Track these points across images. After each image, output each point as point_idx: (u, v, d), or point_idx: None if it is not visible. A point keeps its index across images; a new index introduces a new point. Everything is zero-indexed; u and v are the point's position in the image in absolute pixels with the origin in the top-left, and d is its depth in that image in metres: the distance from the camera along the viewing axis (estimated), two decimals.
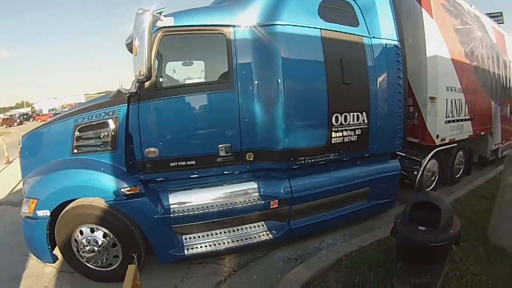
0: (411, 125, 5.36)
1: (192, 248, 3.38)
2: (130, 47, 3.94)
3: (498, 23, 8.18)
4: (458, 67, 5.81)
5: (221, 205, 3.48)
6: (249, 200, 3.58)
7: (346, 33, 3.87)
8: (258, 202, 3.56)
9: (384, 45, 4.20)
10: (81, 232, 3.22)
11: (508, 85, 8.28)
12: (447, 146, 5.86)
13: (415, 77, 5.18)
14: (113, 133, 3.32)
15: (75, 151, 3.37)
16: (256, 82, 3.43)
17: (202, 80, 3.64)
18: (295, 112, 3.54)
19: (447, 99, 5.58)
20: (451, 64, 5.63)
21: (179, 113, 3.39)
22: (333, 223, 4.10)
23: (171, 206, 3.38)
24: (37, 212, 3.05)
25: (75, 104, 45.23)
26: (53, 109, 61.86)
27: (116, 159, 3.33)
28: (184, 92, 3.42)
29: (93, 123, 3.35)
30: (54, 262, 3.40)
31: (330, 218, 4.02)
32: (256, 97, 3.44)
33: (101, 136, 3.37)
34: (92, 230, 3.20)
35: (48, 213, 3.09)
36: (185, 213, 3.36)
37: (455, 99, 5.81)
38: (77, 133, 3.36)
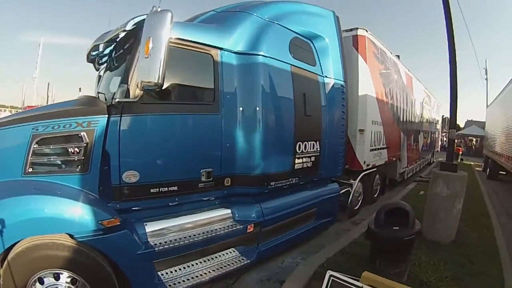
0: None
1: (174, 284, 2.98)
2: (95, 49, 3.63)
3: None
4: (380, 104, 6.96)
5: (203, 233, 3.29)
6: (228, 226, 3.51)
7: (308, 70, 4.38)
8: (237, 228, 3.52)
9: (333, 84, 4.84)
10: (41, 281, 2.41)
11: (412, 119, 10.11)
12: (370, 171, 6.85)
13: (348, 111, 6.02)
14: (86, 150, 2.72)
15: (30, 170, 2.60)
16: (239, 108, 3.49)
17: (188, 100, 3.37)
18: (270, 139, 3.69)
19: (371, 131, 6.61)
20: (375, 102, 6.72)
21: (164, 132, 3.08)
22: (291, 242, 4.36)
23: (152, 239, 2.97)
24: None
25: None
26: None
27: (87, 183, 2.74)
28: (170, 110, 3.12)
29: (59, 135, 2.69)
30: None
31: (289, 238, 4.28)
32: (238, 123, 3.49)
33: (70, 152, 2.71)
34: (57, 277, 2.45)
35: None
36: (168, 246, 2.98)
37: (376, 131, 6.92)
38: (35, 146, 2.61)
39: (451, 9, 4.96)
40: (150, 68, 2.52)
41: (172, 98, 3.16)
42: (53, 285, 2.43)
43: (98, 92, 3.64)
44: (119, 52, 3.52)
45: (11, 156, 2.61)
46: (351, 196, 6.14)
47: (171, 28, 2.60)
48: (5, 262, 2.28)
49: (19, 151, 2.60)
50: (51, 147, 2.70)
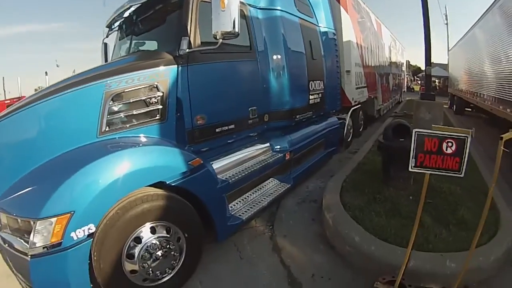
0: None
1: (243, 213, 3.31)
2: (122, 13, 3.73)
3: None
4: (360, 49, 8.02)
5: (256, 164, 3.76)
6: (271, 156, 4.06)
7: (309, 22, 5.20)
8: (278, 156, 4.11)
9: (327, 32, 5.78)
10: (138, 240, 2.35)
11: (383, 62, 11.35)
12: (356, 107, 7.99)
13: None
14: (162, 100, 2.87)
15: (106, 129, 2.59)
16: (269, 54, 4.05)
17: (235, 48, 3.59)
18: (293, 79, 4.36)
19: (355, 72, 7.67)
20: (356, 47, 7.75)
21: (222, 77, 3.43)
22: (310, 170, 5.14)
23: (221, 175, 3.28)
24: (72, 234, 1.99)
25: None
26: None
27: (166, 131, 2.92)
28: (224, 58, 3.42)
29: (135, 88, 2.73)
30: None
31: (309, 165, 5.07)
32: (270, 67, 4.09)
33: (147, 103, 2.80)
34: (153, 230, 2.43)
35: (93, 229, 2.08)
36: (235, 178, 3.34)
37: (359, 72, 8.01)
38: (110, 103, 2.60)
39: None
40: (228, 19, 2.70)
41: (223, 47, 3.23)
42: (152, 239, 2.39)
43: (138, 51, 3.81)
44: (157, 11, 3.52)
45: (81, 118, 2.54)
46: (345, 129, 7.21)
47: None
48: (96, 235, 2.11)
49: (92, 112, 2.55)
50: (128, 101, 2.73)
